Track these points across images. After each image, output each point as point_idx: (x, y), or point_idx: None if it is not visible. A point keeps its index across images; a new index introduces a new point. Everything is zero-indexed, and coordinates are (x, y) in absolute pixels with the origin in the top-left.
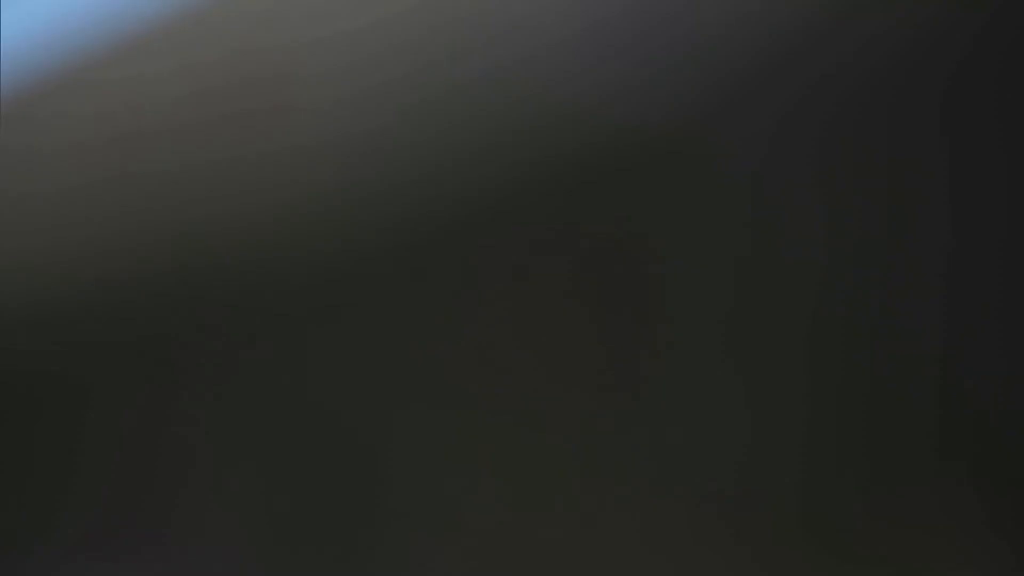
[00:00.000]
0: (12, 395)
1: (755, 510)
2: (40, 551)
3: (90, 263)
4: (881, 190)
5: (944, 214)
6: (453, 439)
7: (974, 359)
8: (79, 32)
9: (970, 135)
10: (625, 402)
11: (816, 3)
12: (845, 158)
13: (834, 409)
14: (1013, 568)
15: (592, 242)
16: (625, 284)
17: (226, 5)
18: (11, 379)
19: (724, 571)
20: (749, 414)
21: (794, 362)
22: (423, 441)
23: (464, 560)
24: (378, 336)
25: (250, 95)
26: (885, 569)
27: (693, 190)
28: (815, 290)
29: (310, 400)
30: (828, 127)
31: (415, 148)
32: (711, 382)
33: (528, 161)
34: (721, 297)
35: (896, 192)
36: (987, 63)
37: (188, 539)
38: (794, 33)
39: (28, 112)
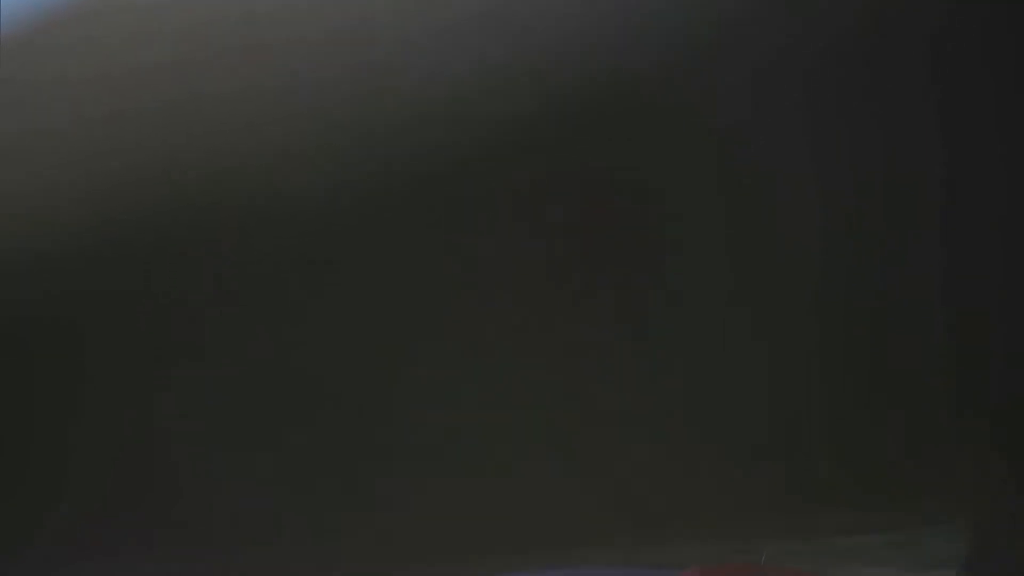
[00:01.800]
0: (8, 340)
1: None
2: (37, 494)
3: (89, 203)
4: (871, 126)
5: (936, 151)
6: (457, 376)
7: (974, 293)
8: None
9: (959, 78)
10: (625, 336)
11: None
12: (833, 98)
13: (840, 352)
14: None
15: (589, 183)
16: (623, 225)
17: None
18: (7, 324)
19: (732, 511)
20: (754, 349)
21: (797, 303)
22: (427, 375)
23: (470, 492)
24: (382, 276)
25: (252, 28)
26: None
27: (686, 135)
28: (813, 232)
29: (311, 338)
30: (815, 70)
31: (412, 90)
32: (710, 322)
33: (525, 104)
34: (718, 237)
35: (887, 129)
36: (977, 6)
37: (189, 480)
38: None
39: (27, 46)
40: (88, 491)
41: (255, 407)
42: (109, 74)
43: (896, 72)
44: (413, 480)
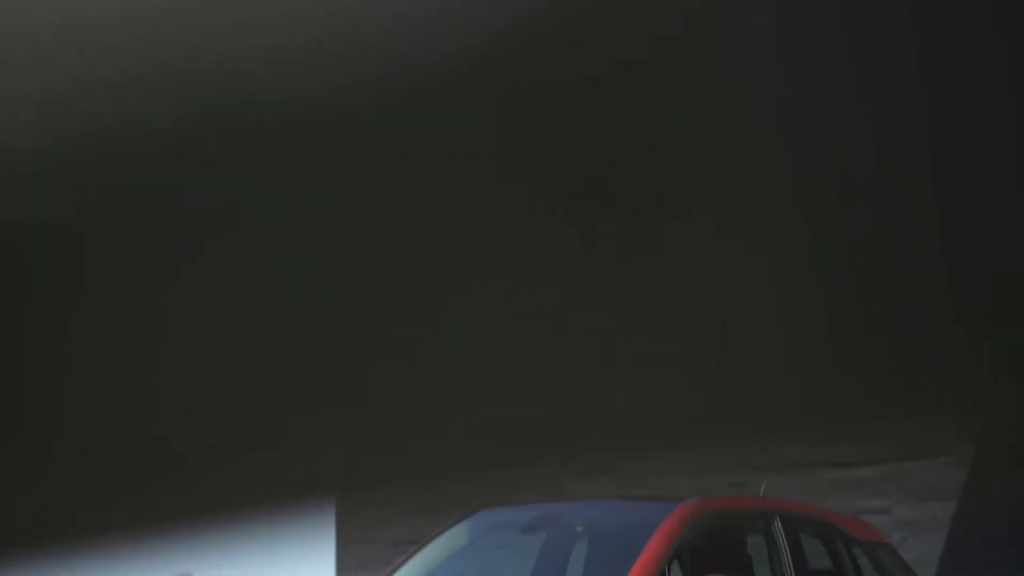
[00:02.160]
0: (11, 247)
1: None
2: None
3: (91, 105)
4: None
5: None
6: (457, 275)
7: (966, 224)
8: None
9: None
10: (627, 255)
11: None
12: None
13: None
14: (1015, 410)
15: (572, 94)
16: (616, 146)
17: None
18: (10, 230)
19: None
20: (758, 265)
21: (802, 222)
22: (428, 267)
23: (480, 378)
24: (386, 177)
25: None
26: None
27: (660, 44)
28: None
29: (321, 239)
30: None
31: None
32: (711, 236)
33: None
34: (716, 159)
35: (867, 55)
36: None
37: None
38: None
39: None
40: (86, 415)
41: (261, 315)
42: None
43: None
44: (428, 407)
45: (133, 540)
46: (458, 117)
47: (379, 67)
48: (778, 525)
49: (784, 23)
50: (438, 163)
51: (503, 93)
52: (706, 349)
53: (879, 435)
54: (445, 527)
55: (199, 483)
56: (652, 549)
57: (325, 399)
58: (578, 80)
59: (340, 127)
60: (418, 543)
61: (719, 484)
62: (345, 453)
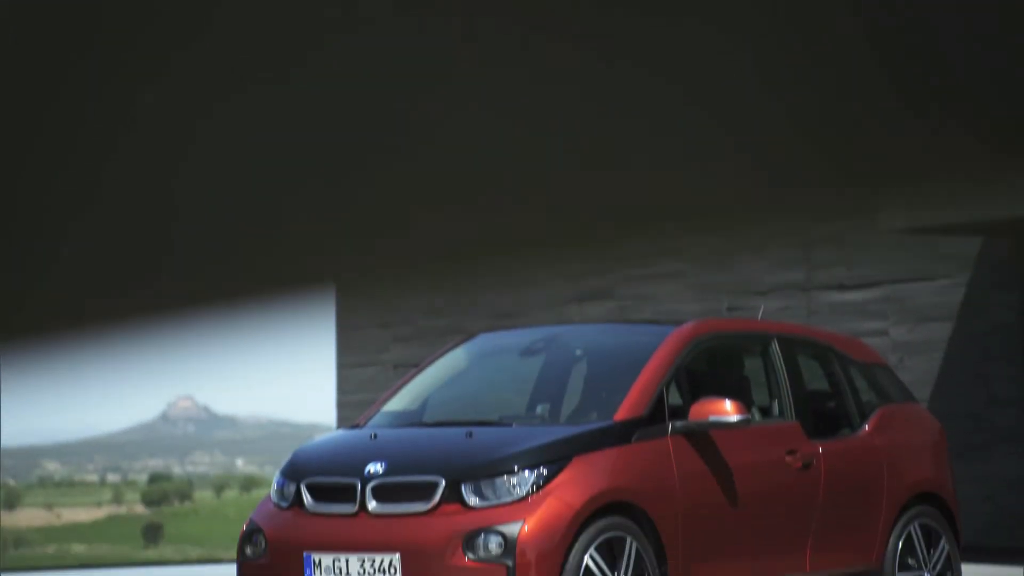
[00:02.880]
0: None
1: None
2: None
3: None
4: None
5: None
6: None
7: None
8: None
9: None
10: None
11: None
12: None
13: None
14: (987, 171)
15: None
16: None
17: None
18: None
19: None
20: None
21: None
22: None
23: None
24: None
25: None
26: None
27: None
28: None
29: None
30: None
31: None
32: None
33: None
34: None
35: None
36: None
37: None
38: None
39: None
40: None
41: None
42: None
43: None
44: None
45: (136, 330)
46: None
47: None
48: (775, 347)
49: None
50: None
51: None
52: (704, 151)
53: (877, 257)
54: (444, 350)
55: (203, 276)
56: (650, 371)
57: (325, 192)
58: None
59: None
60: (417, 366)
61: (717, 308)
62: (344, 251)
